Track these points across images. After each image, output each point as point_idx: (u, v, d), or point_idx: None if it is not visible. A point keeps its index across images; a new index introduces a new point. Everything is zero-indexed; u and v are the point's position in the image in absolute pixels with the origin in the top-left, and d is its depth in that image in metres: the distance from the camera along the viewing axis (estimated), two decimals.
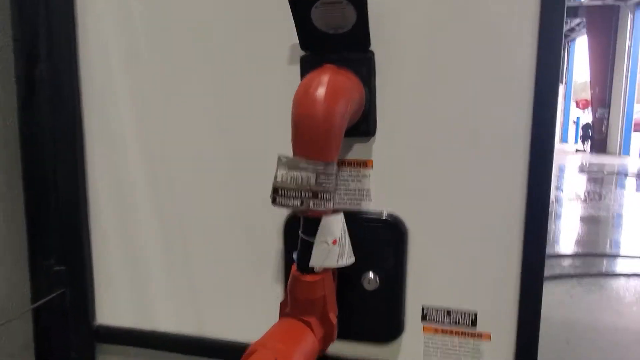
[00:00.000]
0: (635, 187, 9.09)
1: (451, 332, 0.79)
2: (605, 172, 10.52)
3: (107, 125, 0.90)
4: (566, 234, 5.94)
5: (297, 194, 0.59)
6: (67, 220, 0.92)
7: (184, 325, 0.92)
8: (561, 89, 16.97)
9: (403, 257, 0.78)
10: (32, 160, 0.90)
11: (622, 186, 9.06)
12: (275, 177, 0.59)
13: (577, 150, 15.05)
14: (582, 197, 8.00)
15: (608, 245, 5.53)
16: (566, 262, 4.90)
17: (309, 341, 0.64)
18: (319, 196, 0.60)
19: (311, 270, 0.65)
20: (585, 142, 14.80)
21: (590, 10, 13.95)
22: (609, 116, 14.39)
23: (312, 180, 0.59)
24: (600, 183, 9.34)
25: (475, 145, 0.73)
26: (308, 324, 0.65)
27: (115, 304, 0.96)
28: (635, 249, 5.31)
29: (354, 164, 0.78)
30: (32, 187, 0.91)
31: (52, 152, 0.89)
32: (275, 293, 0.85)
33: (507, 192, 0.73)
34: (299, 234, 0.65)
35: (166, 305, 0.92)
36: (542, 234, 0.73)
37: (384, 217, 0.77)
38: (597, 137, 14.53)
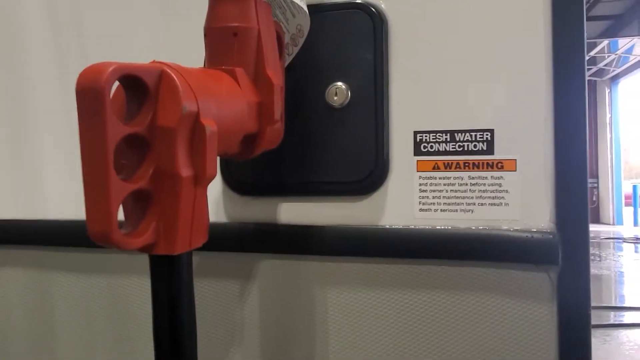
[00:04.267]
0: (633, 249, 8.88)
1: (458, 164, 0.54)
2: (601, 238, 10.35)
3: None
4: None
5: None
6: None
7: None
8: None
9: (382, 58, 0.55)
10: None
11: (620, 249, 8.85)
12: None
13: None
14: None
15: (614, 299, 5.21)
16: None
17: (230, 91, 0.40)
18: None
19: None
20: None
21: None
22: (598, 186, 14.57)
23: None
24: (598, 247, 9.14)
25: None
26: (230, 72, 0.41)
27: None
28: None
29: None
30: None
31: None
32: None
33: None
34: None
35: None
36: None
37: (353, 2, 0.55)
38: (589, 207, 14.55)
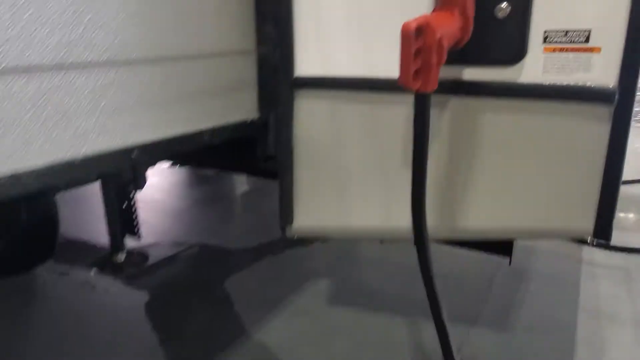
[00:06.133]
0: None
1: (567, 49, 1.01)
2: None
3: None
4: None
5: None
6: None
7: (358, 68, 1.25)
8: None
9: None
10: None
11: None
12: None
13: None
14: None
15: None
16: None
17: (451, 22, 0.93)
18: None
19: None
20: None
21: None
22: None
23: None
24: None
25: None
26: (451, 12, 0.94)
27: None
28: None
29: None
30: None
31: None
32: None
33: None
34: None
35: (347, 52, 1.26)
36: None
37: None
38: None
